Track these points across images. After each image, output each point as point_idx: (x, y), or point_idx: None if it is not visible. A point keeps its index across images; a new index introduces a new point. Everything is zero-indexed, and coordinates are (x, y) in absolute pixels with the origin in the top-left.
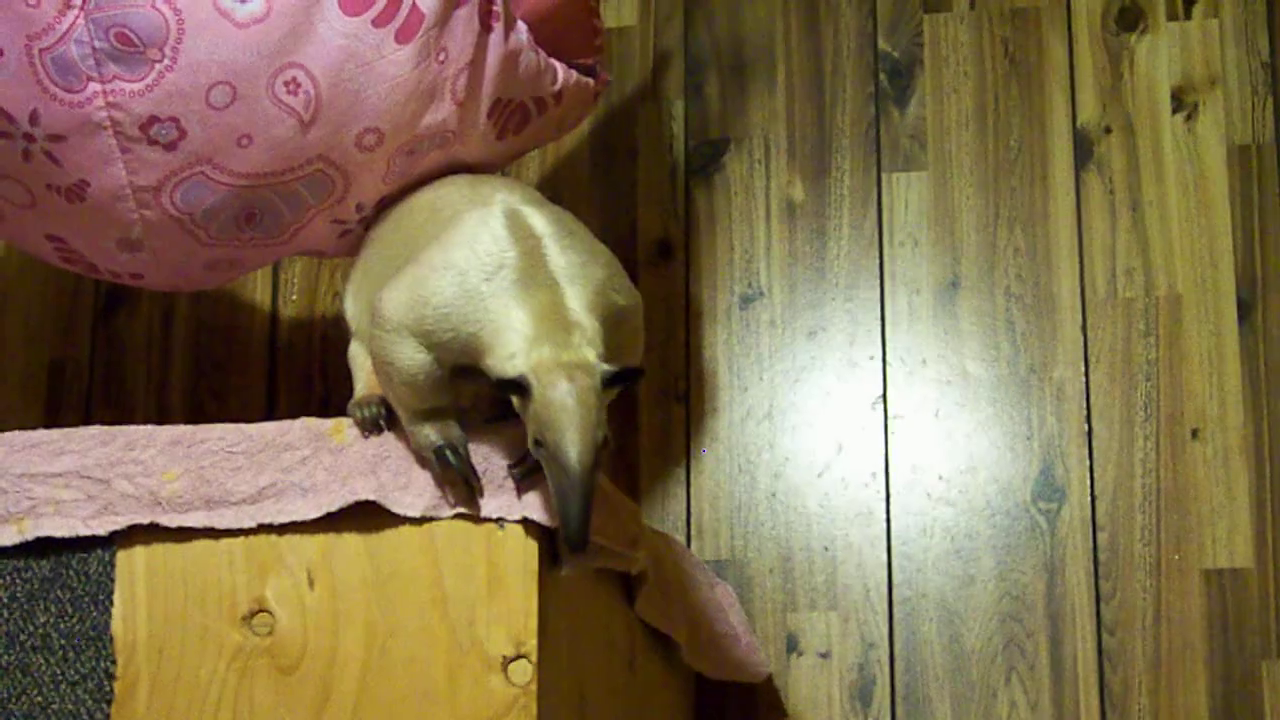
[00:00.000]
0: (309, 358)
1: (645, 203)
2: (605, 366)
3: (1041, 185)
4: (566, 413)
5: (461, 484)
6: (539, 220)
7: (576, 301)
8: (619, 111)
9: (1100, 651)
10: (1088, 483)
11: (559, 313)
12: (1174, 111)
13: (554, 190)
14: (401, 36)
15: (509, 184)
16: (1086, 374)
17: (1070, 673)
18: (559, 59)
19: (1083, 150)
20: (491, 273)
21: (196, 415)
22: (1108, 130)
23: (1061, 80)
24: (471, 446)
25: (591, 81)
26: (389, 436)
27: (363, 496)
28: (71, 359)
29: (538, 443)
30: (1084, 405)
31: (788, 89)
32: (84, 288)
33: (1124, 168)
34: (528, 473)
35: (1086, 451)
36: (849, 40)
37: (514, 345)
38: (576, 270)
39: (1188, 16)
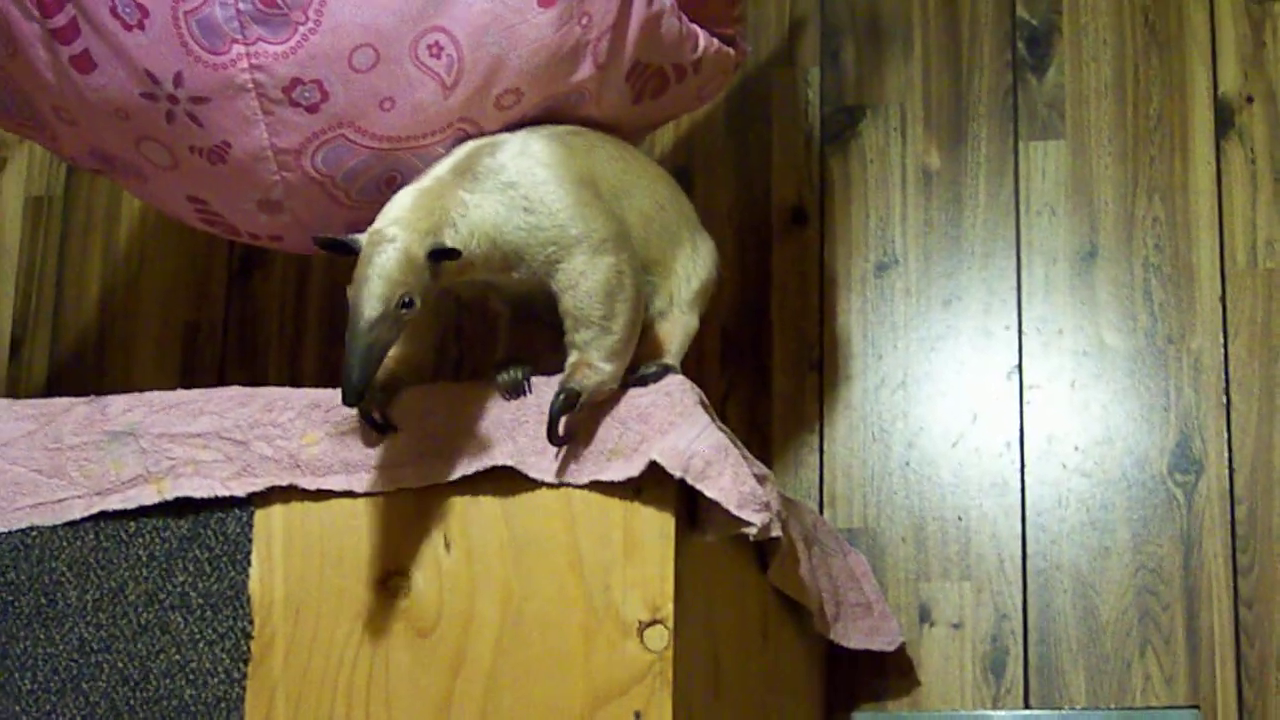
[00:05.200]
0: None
1: (780, 170)
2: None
3: (1181, 155)
4: (363, 269)
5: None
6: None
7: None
8: (754, 79)
9: (1237, 625)
10: (1225, 455)
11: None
12: None
13: (688, 157)
14: (544, 0)
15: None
16: (1225, 345)
17: (1206, 646)
18: (700, 26)
19: (1223, 120)
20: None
21: (330, 378)
22: (1249, 100)
23: (1202, 49)
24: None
25: (731, 51)
26: (527, 401)
27: (500, 461)
28: (206, 321)
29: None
30: (1223, 377)
31: (924, 56)
32: (218, 250)
33: (1265, 137)
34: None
35: (1224, 424)
36: (987, 7)
37: None
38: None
39: None
